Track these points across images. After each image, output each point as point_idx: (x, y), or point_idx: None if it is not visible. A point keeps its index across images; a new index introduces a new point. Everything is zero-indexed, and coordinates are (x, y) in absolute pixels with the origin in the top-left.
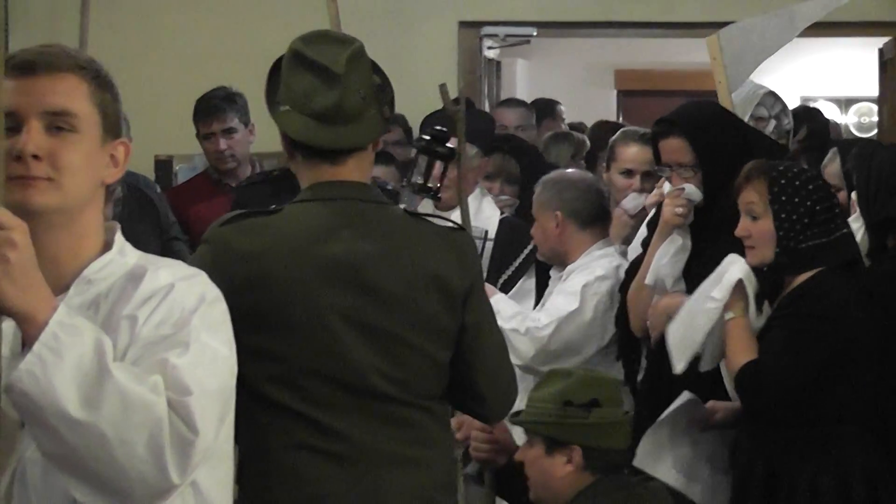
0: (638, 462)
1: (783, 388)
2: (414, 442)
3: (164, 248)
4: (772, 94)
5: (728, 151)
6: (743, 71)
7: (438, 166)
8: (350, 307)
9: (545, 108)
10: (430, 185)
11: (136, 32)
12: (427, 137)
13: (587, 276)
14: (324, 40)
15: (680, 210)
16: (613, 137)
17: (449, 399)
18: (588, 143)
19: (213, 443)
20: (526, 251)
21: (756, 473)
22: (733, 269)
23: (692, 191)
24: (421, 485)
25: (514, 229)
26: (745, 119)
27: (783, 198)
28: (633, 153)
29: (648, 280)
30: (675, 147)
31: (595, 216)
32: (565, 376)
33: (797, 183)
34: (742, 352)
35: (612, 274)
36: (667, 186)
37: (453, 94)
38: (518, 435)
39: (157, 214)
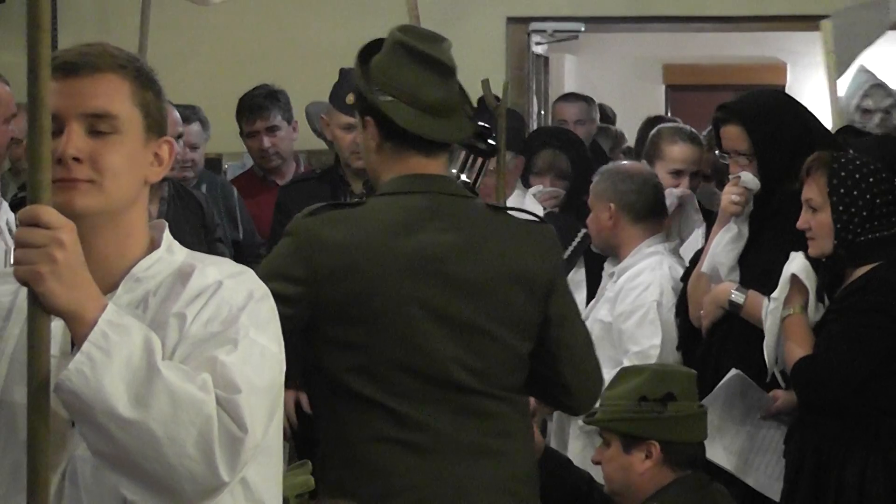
0: None
1: (839, 382)
2: (496, 433)
3: (208, 250)
4: (882, 87)
5: (785, 142)
6: (847, 58)
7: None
8: (433, 299)
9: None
10: (466, 179)
11: (185, 31)
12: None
13: (653, 293)
14: (424, 34)
15: (736, 198)
16: (655, 132)
17: (534, 392)
18: (624, 136)
19: (262, 440)
20: (573, 244)
21: (806, 465)
22: (789, 265)
23: (748, 178)
24: (503, 476)
25: (565, 221)
26: (852, 109)
27: (841, 190)
28: (680, 152)
29: (705, 268)
30: (733, 134)
31: (649, 210)
32: (638, 373)
33: (857, 175)
34: (799, 347)
35: (665, 280)
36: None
37: (497, 89)
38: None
39: (202, 215)
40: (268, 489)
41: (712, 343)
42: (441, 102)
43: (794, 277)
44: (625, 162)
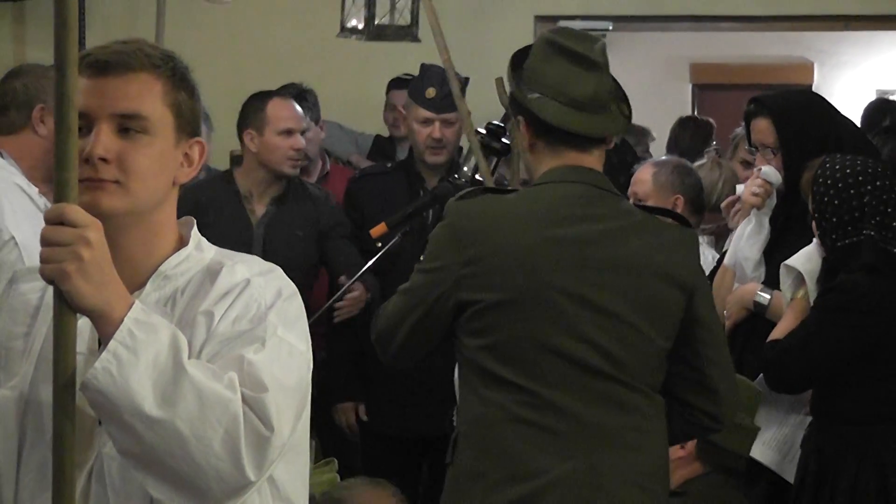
0: None
1: (790, 370)
2: (632, 427)
3: (324, 250)
4: None
5: (811, 140)
6: None
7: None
8: (577, 285)
9: None
10: (479, 178)
11: (212, 28)
12: (482, 132)
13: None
14: (573, 33)
15: (757, 189)
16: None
17: (678, 405)
18: (650, 132)
19: (289, 439)
20: None
21: (809, 470)
22: (793, 258)
23: (769, 171)
24: (637, 470)
25: None
26: None
27: (818, 196)
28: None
29: (727, 261)
30: (762, 128)
31: (703, 205)
32: None
33: (830, 181)
34: (779, 330)
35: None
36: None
37: None
38: None
39: (315, 215)
40: (295, 488)
41: (735, 342)
42: (589, 97)
43: (789, 267)
44: (669, 157)
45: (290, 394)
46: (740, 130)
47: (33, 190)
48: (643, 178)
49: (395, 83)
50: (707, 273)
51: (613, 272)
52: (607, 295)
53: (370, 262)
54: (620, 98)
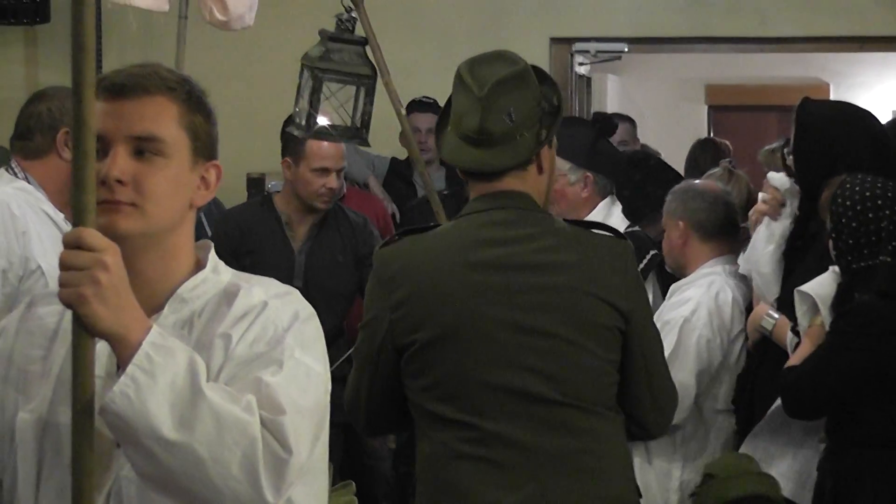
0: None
1: (804, 395)
2: (583, 450)
3: (361, 276)
4: None
5: (818, 160)
6: None
7: None
8: (507, 311)
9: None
10: None
11: (228, 51)
12: None
13: (685, 310)
14: (490, 60)
15: (764, 196)
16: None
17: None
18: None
19: (307, 461)
20: (643, 263)
21: (826, 494)
22: (807, 284)
23: (774, 177)
24: (593, 494)
25: (635, 241)
26: None
27: (835, 217)
28: None
29: (742, 269)
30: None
31: (719, 229)
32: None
33: (848, 203)
34: (796, 357)
35: (707, 300)
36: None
37: None
38: None
39: (354, 240)
40: None
41: (751, 364)
42: (475, 130)
43: (803, 294)
44: (697, 181)
45: (308, 416)
46: (776, 145)
47: (60, 216)
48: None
49: (416, 106)
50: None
51: (544, 293)
52: (542, 316)
53: None
54: (545, 124)
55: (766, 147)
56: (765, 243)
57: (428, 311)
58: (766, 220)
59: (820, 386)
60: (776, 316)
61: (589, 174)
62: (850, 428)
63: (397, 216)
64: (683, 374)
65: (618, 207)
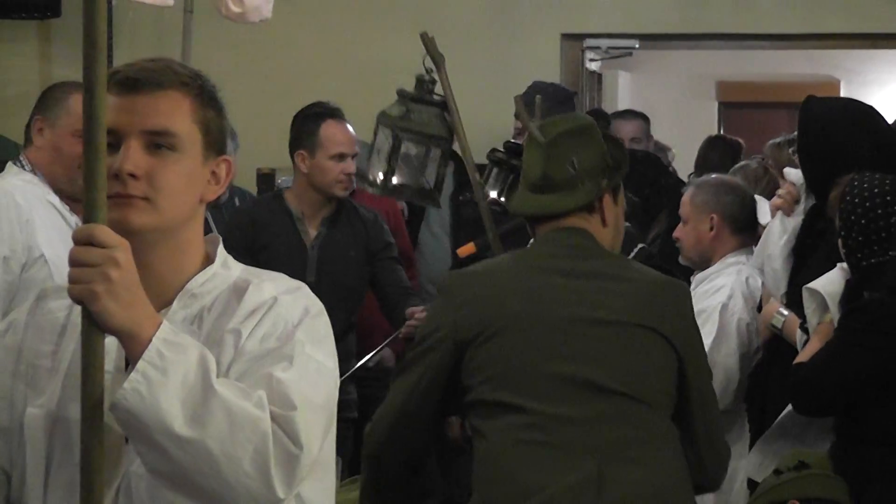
0: (752, 472)
1: (815, 391)
2: (640, 440)
3: (376, 271)
4: None
5: (822, 158)
6: None
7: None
8: (571, 308)
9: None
10: (502, 198)
11: (238, 47)
12: (501, 150)
13: (721, 296)
14: (559, 118)
15: (781, 191)
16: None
17: None
18: (670, 150)
19: (317, 456)
20: (631, 255)
21: None
22: (816, 281)
23: (790, 171)
24: (647, 482)
25: (624, 236)
26: None
27: (845, 215)
28: None
29: (755, 263)
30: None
31: (748, 223)
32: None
33: (858, 200)
34: (805, 354)
35: (739, 285)
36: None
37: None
38: None
39: (366, 236)
40: (323, 503)
41: (763, 360)
42: (538, 178)
43: (812, 291)
44: (717, 175)
45: (319, 411)
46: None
47: (66, 208)
48: (684, 200)
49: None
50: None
51: (608, 295)
52: (606, 308)
53: None
54: (606, 175)
55: (772, 141)
56: (777, 238)
57: (494, 305)
58: (780, 214)
59: (828, 383)
60: (786, 313)
61: None
62: (857, 425)
63: (405, 212)
64: (729, 358)
65: None
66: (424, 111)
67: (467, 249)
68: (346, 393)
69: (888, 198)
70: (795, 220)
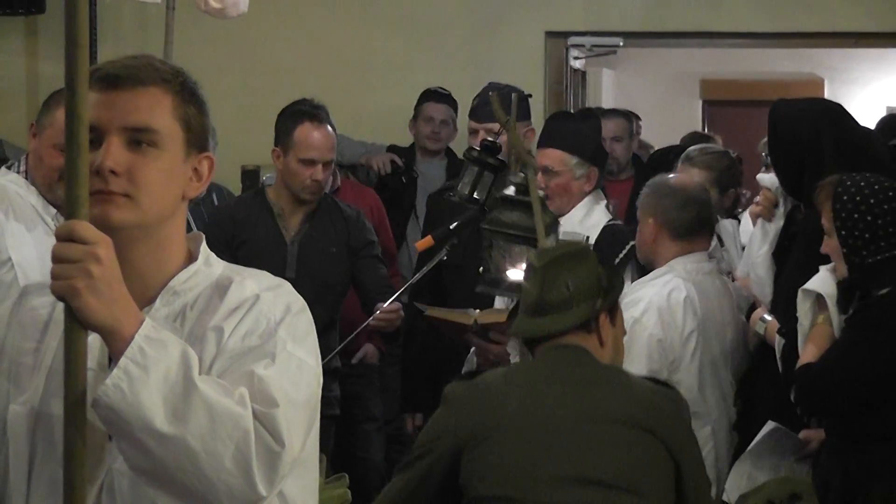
0: (730, 494)
1: (827, 391)
2: None
3: (357, 269)
4: None
5: (795, 156)
6: None
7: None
8: (571, 405)
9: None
10: (476, 196)
11: (221, 43)
12: (477, 148)
13: (636, 311)
14: (555, 246)
15: (757, 198)
16: (685, 153)
17: None
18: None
19: (299, 453)
20: (621, 255)
21: (833, 489)
22: (810, 282)
23: (763, 176)
24: None
25: (614, 234)
26: None
27: (843, 214)
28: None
29: (739, 272)
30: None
31: (687, 230)
32: (758, 490)
33: (858, 198)
34: (808, 354)
35: (658, 300)
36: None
37: (538, 105)
38: None
39: (347, 233)
40: (305, 502)
41: (753, 366)
42: (534, 301)
43: (807, 292)
44: (672, 176)
45: (301, 409)
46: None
47: (51, 211)
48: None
49: (431, 95)
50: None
51: (607, 398)
52: (604, 409)
53: (415, 278)
54: (600, 297)
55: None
56: (759, 244)
57: (493, 407)
58: (760, 221)
59: (840, 382)
60: (768, 318)
61: (594, 169)
62: (861, 424)
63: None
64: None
65: (602, 201)
66: (518, 212)
67: (425, 243)
68: (328, 390)
69: (890, 193)
70: (776, 225)
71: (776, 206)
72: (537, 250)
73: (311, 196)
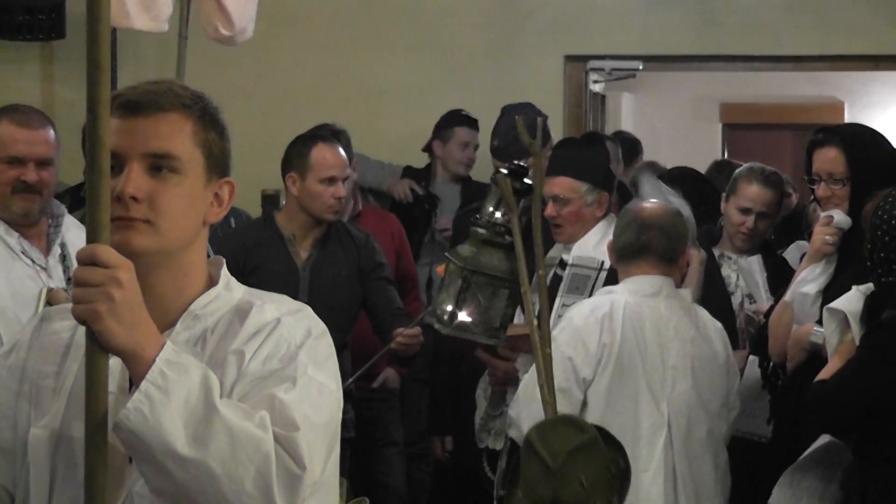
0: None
1: (831, 409)
2: None
3: (368, 291)
4: None
5: (881, 169)
6: None
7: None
8: None
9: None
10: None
11: (243, 68)
12: (504, 171)
13: (558, 327)
14: (558, 426)
15: (829, 239)
16: (738, 171)
17: None
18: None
19: (320, 477)
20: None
21: None
22: (837, 301)
23: (841, 219)
24: None
25: None
26: None
27: (873, 228)
28: (753, 192)
29: (788, 297)
30: (830, 157)
31: (624, 252)
32: None
33: (885, 216)
34: (827, 371)
35: (577, 320)
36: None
37: (557, 128)
38: None
39: (357, 257)
40: None
41: (794, 382)
42: (552, 502)
43: (833, 311)
44: (639, 201)
45: (321, 432)
46: (741, 170)
47: (13, 234)
48: None
49: (464, 120)
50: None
51: None
52: None
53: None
54: (614, 488)
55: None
56: (821, 276)
57: None
58: (825, 259)
59: (850, 400)
60: (821, 330)
61: (605, 194)
62: (878, 444)
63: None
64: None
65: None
66: (495, 253)
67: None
68: (343, 412)
69: None
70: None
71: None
72: (541, 436)
73: (335, 215)
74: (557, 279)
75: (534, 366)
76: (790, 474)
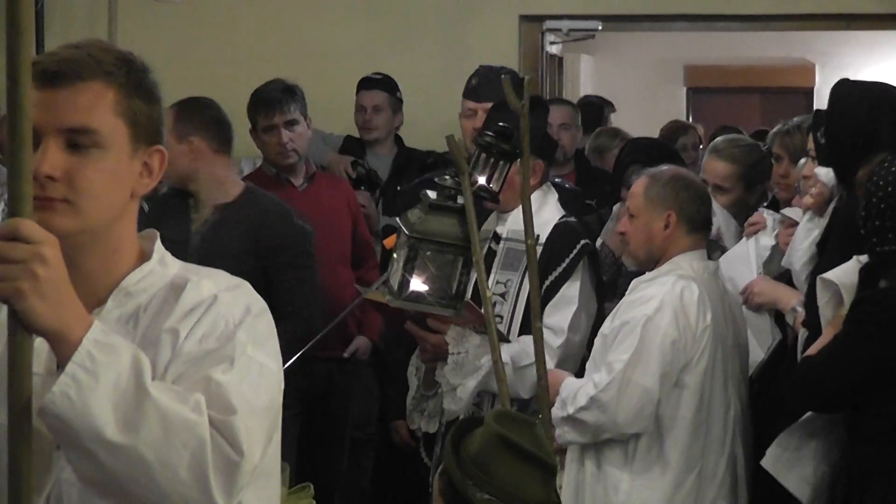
0: (769, 465)
1: (814, 386)
2: None
3: (268, 277)
4: None
5: (849, 134)
6: None
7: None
8: None
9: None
10: (493, 186)
11: (179, 32)
12: (490, 134)
13: (648, 308)
14: (519, 421)
15: (813, 191)
16: (712, 144)
17: None
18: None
19: (260, 462)
20: (572, 254)
21: (838, 490)
22: (831, 272)
23: (821, 171)
24: None
25: (566, 232)
26: None
27: (868, 195)
28: (714, 167)
29: (784, 262)
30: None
31: (704, 223)
32: None
33: (881, 183)
34: (815, 348)
35: (671, 299)
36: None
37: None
38: None
39: (251, 237)
40: None
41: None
42: (540, 502)
43: (826, 282)
44: (680, 168)
45: (261, 415)
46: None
47: None
48: (636, 192)
49: (364, 83)
50: None
51: None
52: None
53: (383, 277)
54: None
55: (776, 129)
56: (802, 239)
57: None
58: (808, 214)
59: (834, 377)
60: (799, 309)
61: (539, 162)
62: (861, 422)
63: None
64: (647, 378)
65: (553, 196)
66: (446, 218)
67: (392, 241)
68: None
69: None
70: (825, 220)
71: (829, 202)
72: (520, 434)
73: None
74: (492, 254)
75: (524, 340)
76: (784, 436)
